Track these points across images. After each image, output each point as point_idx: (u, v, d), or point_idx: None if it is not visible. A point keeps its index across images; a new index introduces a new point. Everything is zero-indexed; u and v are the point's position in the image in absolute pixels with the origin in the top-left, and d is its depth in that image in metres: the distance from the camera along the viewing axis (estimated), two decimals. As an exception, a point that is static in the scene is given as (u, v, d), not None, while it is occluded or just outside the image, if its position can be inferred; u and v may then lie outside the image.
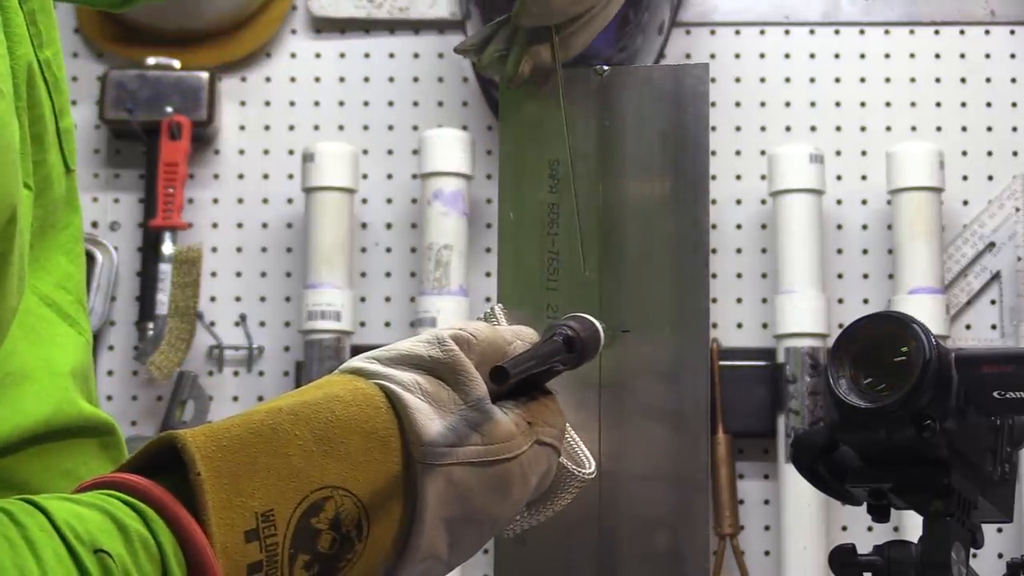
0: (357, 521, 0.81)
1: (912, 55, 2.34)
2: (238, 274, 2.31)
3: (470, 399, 0.86)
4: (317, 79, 2.35)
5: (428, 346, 0.87)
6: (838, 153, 2.31)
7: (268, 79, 2.35)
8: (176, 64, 2.30)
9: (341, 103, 2.34)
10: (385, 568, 0.84)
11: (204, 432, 0.78)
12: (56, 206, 0.89)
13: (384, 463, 0.83)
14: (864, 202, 2.30)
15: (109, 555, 0.71)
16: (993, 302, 2.28)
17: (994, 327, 2.28)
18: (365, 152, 2.31)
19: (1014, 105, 2.32)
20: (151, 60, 2.30)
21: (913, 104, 2.33)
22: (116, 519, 0.73)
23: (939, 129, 2.32)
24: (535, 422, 0.90)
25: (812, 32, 2.35)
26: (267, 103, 2.35)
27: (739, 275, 2.29)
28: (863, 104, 2.33)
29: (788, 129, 2.32)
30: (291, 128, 2.34)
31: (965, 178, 2.30)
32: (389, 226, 2.32)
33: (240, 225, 2.32)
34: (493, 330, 0.91)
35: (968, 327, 2.27)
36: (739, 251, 2.29)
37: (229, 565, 0.75)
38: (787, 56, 2.34)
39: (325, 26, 2.36)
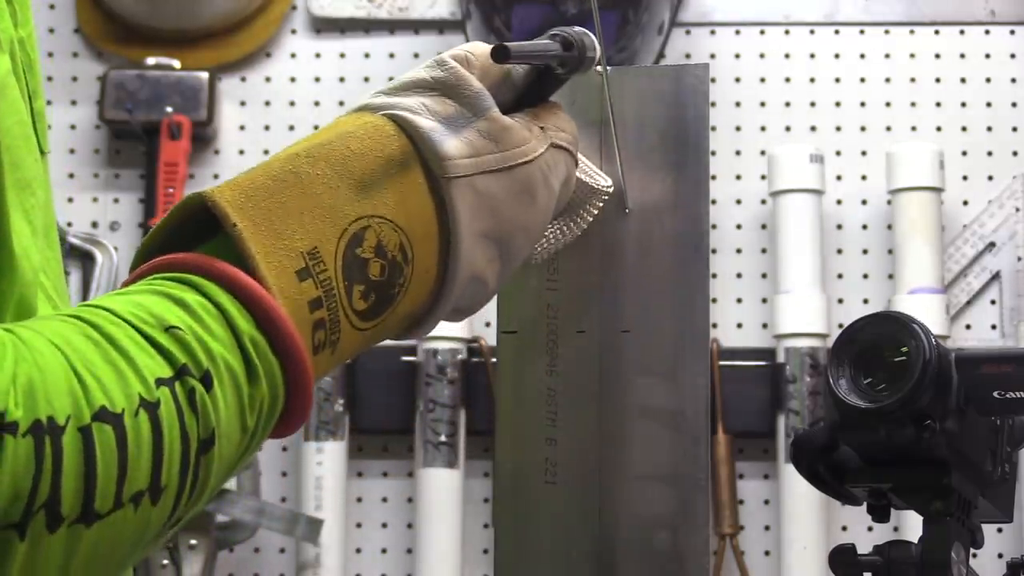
0: (400, 245, 0.83)
1: (912, 55, 2.34)
2: (238, 274, 2.31)
3: (478, 110, 0.88)
4: (317, 79, 2.35)
5: (429, 69, 0.89)
6: (838, 153, 2.31)
7: (268, 79, 2.35)
8: (176, 64, 2.30)
9: (341, 103, 2.34)
10: (433, 291, 0.86)
11: (228, 186, 0.79)
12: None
13: (409, 185, 0.84)
14: (864, 202, 2.31)
15: (180, 328, 0.71)
16: (993, 302, 2.28)
17: (994, 327, 2.28)
18: (365, 152, 2.31)
19: (1014, 105, 2.32)
20: (151, 60, 2.30)
21: (913, 104, 2.33)
22: (171, 296, 0.73)
23: (939, 129, 2.32)
24: (547, 126, 0.92)
25: (812, 32, 2.35)
26: (267, 103, 2.35)
27: (739, 275, 2.29)
28: (863, 104, 2.33)
29: (788, 129, 2.32)
30: (291, 128, 2.34)
31: (965, 178, 2.30)
32: (389, 226, 2.31)
33: (240, 225, 2.32)
34: (489, 47, 0.92)
35: (968, 327, 2.28)
36: (739, 251, 2.29)
37: (289, 305, 0.76)
38: (787, 56, 2.34)
39: (325, 26, 2.36)
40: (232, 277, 0.75)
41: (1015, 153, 2.31)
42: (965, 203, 2.30)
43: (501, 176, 0.88)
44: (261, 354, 0.74)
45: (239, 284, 0.75)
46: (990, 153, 2.31)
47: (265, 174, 0.80)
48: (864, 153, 2.32)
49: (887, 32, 2.35)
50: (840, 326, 2.03)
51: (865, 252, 2.30)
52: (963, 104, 2.33)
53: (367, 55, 2.36)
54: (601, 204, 0.98)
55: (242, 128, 2.34)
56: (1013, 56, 2.34)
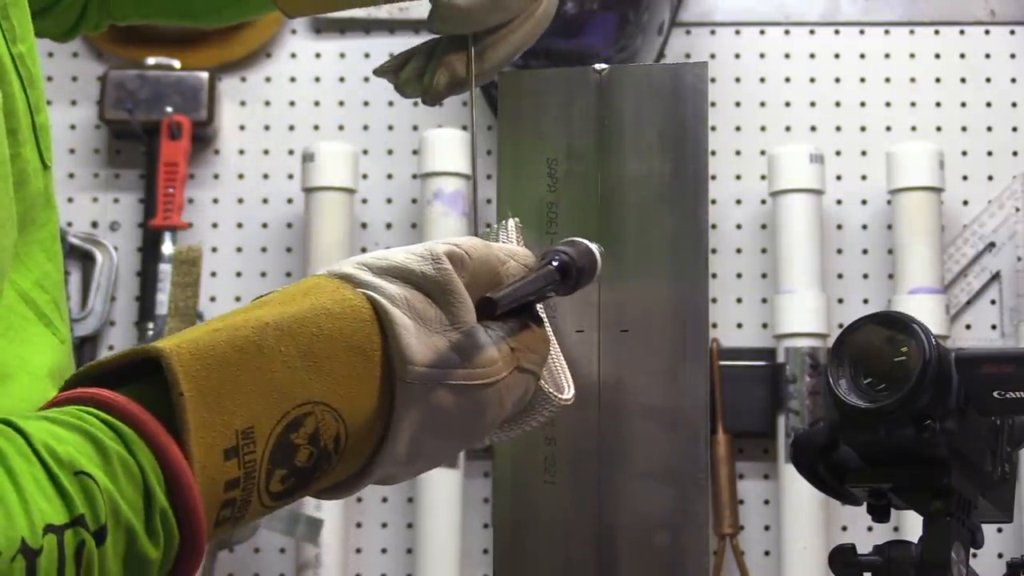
0: (335, 435, 0.81)
1: (912, 55, 2.34)
2: (238, 274, 2.31)
3: (457, 321, 0.86)
4: (317, 79, 2.35)
5: (421, 260, 0.86)
6: (838, 153, 2.31)
7: (268, 79, 2.35)
8: (176, 64, 2.30)
9: (341, 103, 2.34)
10: (353, 473, 0.85)
11: (189, 349, 0.77)
12: (35, 202, 0.89)
13: (366, 379, 0.83)
14: (864, 202, 2.30)
15: (90, 476, 0.71)
16: (993, 302, 2.28)
17: (994, 327, 2.27)
18: (365, 152, 2.31)
19: (1014, 105, 2.32)
20: (151, 60, 2.30)
21: (913, 104, 2.33)
22: (95, 439, 0.73)
23: (939, 129, 2.32)
24: (519, 348, 0.89)
25: (812, 32, 2.35)
26: (267, 103, 2.35)
27: (739, 275, 2.29)
28: (863, 104, 2.33)
29: (788, 129, 2.32)
30: (291, 128, 2.34)
31: (965, 178, 2.30)
32: (389, 226, 2.32)
33: (240, 225, 2.32)
34: (487, 248, 0.90)
35: (968, 327, 2.27)
36: (739, 251, 2.29)
37: (206, 482, 0.75)
38: (787, 56, 2.34)
39: (325, 26, 2.36)
40: (160, 441, 0.74)
41: (1015, 153, 2.31)
42: (965, 203, 2.30)
43: (457, 392, 0.86)
44: (166, 524, 0.74)
45: (164, 451, 0.74)
46: (990, 153, 2.31)
47: (228, 341, 0.79)
48: (864, 153, 2.32)
49: (887, 32, 2.35)
50: (840, 326, 2.03)
51: (865, 252, 2.30)
52: (963, 104, 2.33)
53: (367, 55, 2.35)
54: (554, 412, 0.94)
55: (242, 128, 2.34)
56: (1013, 56, 2.34)
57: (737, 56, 2.34)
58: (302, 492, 0.82)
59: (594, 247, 0.93)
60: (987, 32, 2.34)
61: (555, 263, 0.91)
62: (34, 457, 0.70)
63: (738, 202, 2.30)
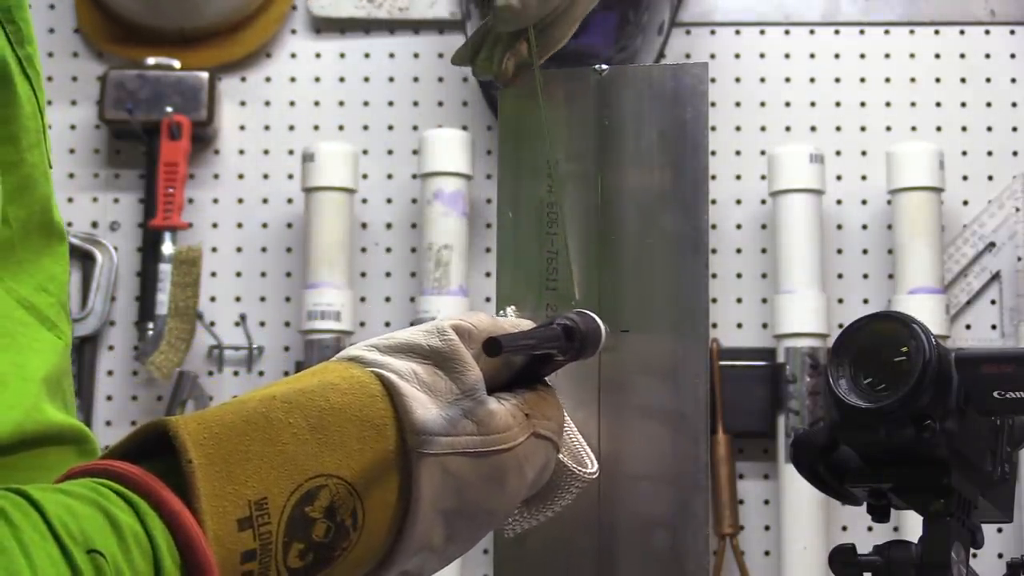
0: (352, 509, 0.81)
1: (912, 55, 2.34)
2: (238, 274, 2.31)
3: (466, 388, 0.86)
4: (317, 79, 2.35)
5: (427, 335, 0.87)
6: (838, 153, 2.31)
7: (268, 79, 2.35)
8: (176, 64, 2.30)
9: (341, 103, 2.34)
10: (379, 557, 0.84)
11: (195, 419, 0.78)
12: (41, 206, 0.88)
13: (379, 451, 0.82)
14: (864, 202, 2.30)
15: (102, 555, 0.70)
16: (993, 302, 2.28)
17: (994, 327, 2.28)
18: (365, 152, 2.31)
19: (1014, 105, 2.32)
20: (151, 60, 2.30)
21: (913, 104, 2.33)
22: (109, 514, 0.72)
23: (939, 129, 2.32)
24: (532, 414, 0.89)
25: (812, 32, 2.35)
26: (267, 103, 2.35)
27: (739, 275, 2.29)
28: (863, 104, 2.33)
29: (788, 129, 2.32)
30: (291, 128, 2.34)
31: (965, 178, 2.30)
32: (389, 226, 2.32)
33: (240, 225, 2.32)
34: (493, 321, 0.91)
35: (968, 327, 2.27)
36: (739, 251, 2.29)
37: (222, 553, 0.75)
38: (787, 56, 2.35)
39: (325, 26, 2.36)
40: (174, 512, 0.74)
41: (1015, 153, 2.31)
42: (965, 203, 2.30)
43: (474, 460, 0.85)
44: None
45: (178, 522, 0.74)
46: (990, 153, 2.31)
47: (236, 413, 0.79)
48: (864, 153, 2.32)
49: (887, 32, 2.35)
50: (840, 326, 2.03)
51: (865, 252, 2.30)
52: (963, 104, 2.33)
53: (367, 55, 2.36)
54: (581, 488, 0.95)
55: (242, 128, 2.34)
56: (1013, 56, 2.34)
57: (737, 56, 2.34)
58: (322, 569, 0.80)
59: (600, 322, 0.94)
60: (987, 32, 2.34)
61: (558, 326, 0.92)
62: (48, 533, 0.70)
63: (738, 202, 2.30)
